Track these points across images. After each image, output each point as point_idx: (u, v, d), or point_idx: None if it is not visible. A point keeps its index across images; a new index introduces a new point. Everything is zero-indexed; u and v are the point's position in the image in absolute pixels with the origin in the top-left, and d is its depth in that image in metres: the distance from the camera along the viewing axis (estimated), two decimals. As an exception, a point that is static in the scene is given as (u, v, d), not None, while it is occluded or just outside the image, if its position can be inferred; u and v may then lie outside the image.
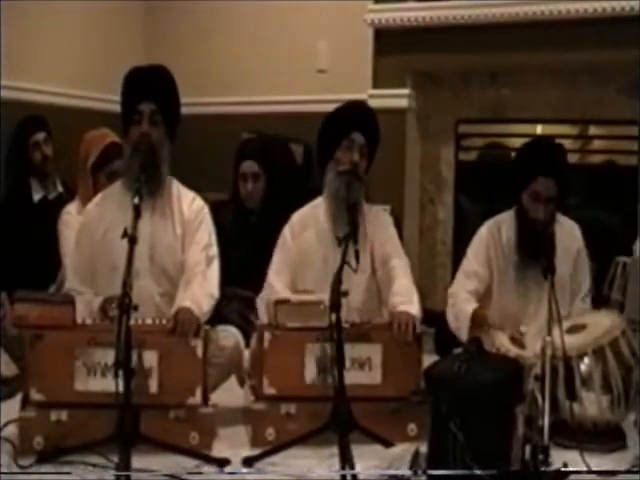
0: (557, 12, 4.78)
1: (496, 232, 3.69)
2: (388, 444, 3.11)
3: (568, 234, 3.63)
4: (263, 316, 3.42)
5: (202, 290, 3.28)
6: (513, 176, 3.66)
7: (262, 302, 3.48)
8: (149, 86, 3.34)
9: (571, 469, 2.73)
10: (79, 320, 3.12)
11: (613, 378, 3.19)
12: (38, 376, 3.05)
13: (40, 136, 4.56)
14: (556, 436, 2.92)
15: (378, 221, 3.62)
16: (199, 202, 3.47)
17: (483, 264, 3.65)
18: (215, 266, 3.38)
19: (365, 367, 3.25)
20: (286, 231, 3.59)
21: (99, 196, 3.53)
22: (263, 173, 4.49)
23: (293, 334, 3.22)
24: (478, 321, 3.48)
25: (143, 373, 3.04)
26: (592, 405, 3.19)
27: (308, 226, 3.58)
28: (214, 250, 3.41)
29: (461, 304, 3.57)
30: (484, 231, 3.72)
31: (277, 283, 3.50)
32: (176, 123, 3.43)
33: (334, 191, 3.47)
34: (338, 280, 2.97)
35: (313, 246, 3.54)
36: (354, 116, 3.54)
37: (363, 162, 3.50)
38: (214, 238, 3.44)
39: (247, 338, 3.51)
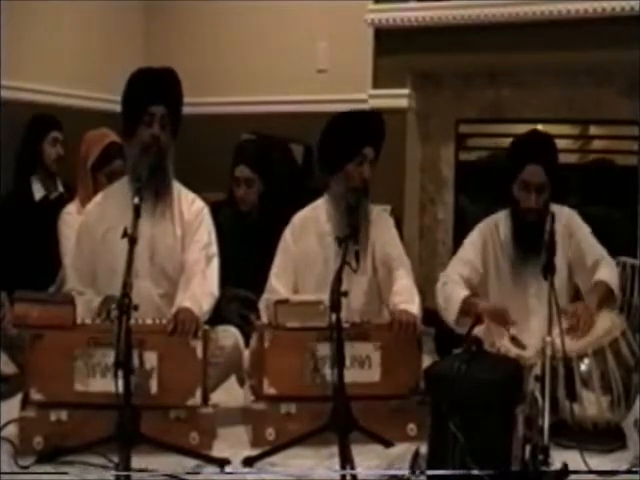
0: (557, 12, 4.78)
1: (494, 229, 3.68)
2: (388, 444, 3.12)
3: (562, 225, 3.56)
4: (266, 319, 3.42)
5: (202, 289, 3.28)
6: (505, 169, 3.66)
7: (264, 305, 3.48)
8: (161, 89, 3.34)
9: (571, 469, 2.73)
10: (79, 320, 3.12)
11: (613, 378, 3.19)
12: (38, 376, 3.05)
13: (57, 134, 4.59)
14: (556, 436, 2.92)
15: (380, 223, 3.61)
16: (199, 203, 3.47)
17: (477, 257, 3.63)
18: (215, 265, 3.39)
19: (365, 365, 3.26)
20: (287, 234, 3.59)
21: (100, 195, 3.54)
22: (257, 177, 4.51)
23: (293, 334, 3.22)
24: (468, 308, 3.46)
25: (143, 374, 3.04)
26: (592, 405, 3.19)
27: (309, 228, 3.58)
28: (214, 249, 3.42)
29: (452, 286, 3.54)
30: (482, 227, 3.71)
31: (280, 286, 3.50)
32: (179, 125, 3.45)
33: (341, 203, 3.45)
34: (338, 280, 2.97)
35: (314, 248, 3.54)
36: (369, 130, 3.52)
37: (371, 173, 3.49)
38: (214, 237, 3.44)
39: (247, 338, 3.51)
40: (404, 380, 3.24)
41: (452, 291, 3.53)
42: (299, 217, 3.62)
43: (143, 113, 3.32)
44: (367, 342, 3.26)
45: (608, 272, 3.51)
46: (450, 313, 3.51)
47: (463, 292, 3.51)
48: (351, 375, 3.07)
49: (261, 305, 3.52)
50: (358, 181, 3.46)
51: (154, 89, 3.34)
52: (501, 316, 3.42)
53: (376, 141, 3.53)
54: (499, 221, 3.69)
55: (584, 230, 3.62)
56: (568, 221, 3.60)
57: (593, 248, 3.59)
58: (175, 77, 3.41)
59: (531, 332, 3.42)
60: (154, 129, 3.32)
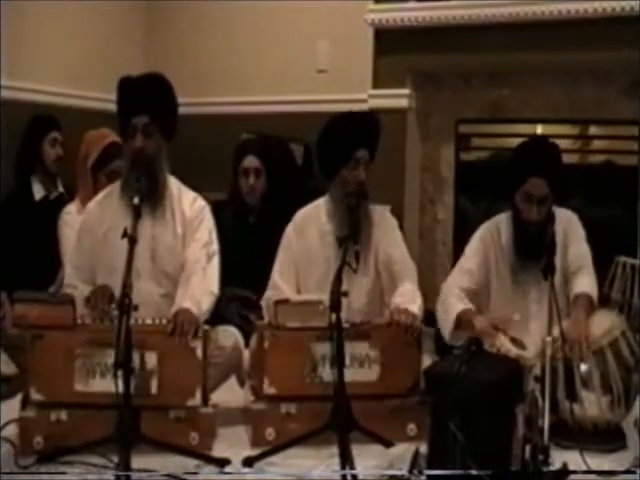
0: (557, 12, 4.78)
1: (495, 233, 3.65)
2: (388, 444, 3.12)
3: (562, 228, 3.53)
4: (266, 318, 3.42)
5: (202, 288, 3.28)
6: (508, 177, 3.63)
7: (265, 304, 3.48)
8: (141, 98, 3.30)
9: (571, 469, 2.73)
10: (78, 318, 3.12)
11: (613, 378, 3.19)
12: (38, 376, 3.05)
13: (57, 134, 4.59)
14: (556, 436, 2.92)
15: (383, 224, 3.58)
16: (200, 202, 3.47)
17: (479, 264, 3.61)
18: (215, 263, 3.38)
19: (364, 364, 3.25)
20: (289, 231, 3.58)
21: (101, 194, 3.54)
22: (264, 169, 4.48)
23: (293, 334, 3.22)
24: (463, 325, 3.44)
25: (143, 374, 3.04)
26: (592, 405, 3.19)
27: (310, 226, 3.57)
28: (214, 247, 3.41)
29: (451, 300, 3.52)
30: (483, 231, 3.68)
31: (283, 283, 3.50)
32: (173, 127, 3.42)
33: (341, 206, 3.44)
34: (338, 280, 2.97)
35: (315, 246, 3.54)
36: (360, 132, 3.48)
37: (366, 175, 3.47)
38: (215, 236, 3.44)
39: (247, 338, 3.51)
40: (403, 380, 3.24)
41: (449, 306, 3.51)
42: (300, 215, 3.62)
43: (126, 125, 3.32)
44: (366, 341, 3.26)
45: (587, 282, 3.46)
46: (445, 328, 3.49)
47: (458, 306, 3.48)
48: (350, 374, 3.06)
49: (263, 303, 3.53)
50: (354, 185, 3.43)
51: (134, 100, 3.31)
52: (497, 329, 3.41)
53: (369, 142, 3.49)
54: (500, 224, 3.66)
55: (577, 234, 3.58)
56: (566, 224, 3.57)
57: (578, 252, 3.54)
58: (159, 82, 3.37)
59: (531, 336, 3.41)
60: (137, 141, 3.30)
